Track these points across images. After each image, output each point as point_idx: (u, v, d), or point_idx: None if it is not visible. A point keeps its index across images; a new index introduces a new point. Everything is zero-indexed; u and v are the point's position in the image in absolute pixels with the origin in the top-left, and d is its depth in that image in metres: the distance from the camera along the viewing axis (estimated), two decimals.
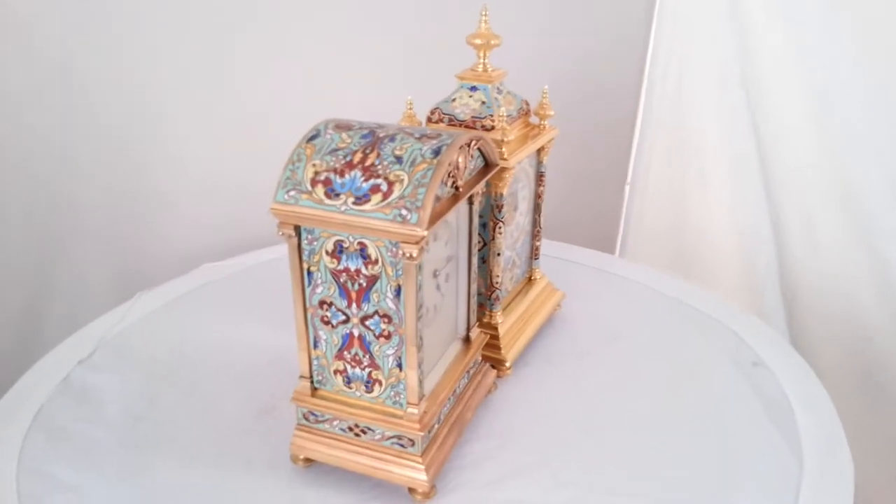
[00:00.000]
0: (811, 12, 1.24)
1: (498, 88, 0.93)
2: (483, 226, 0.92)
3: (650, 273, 1.25)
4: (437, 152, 0.68)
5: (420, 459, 0.75)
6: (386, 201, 0.66)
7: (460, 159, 0.71)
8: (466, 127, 0.91)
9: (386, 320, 0.71)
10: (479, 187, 0.79)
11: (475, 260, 0.84)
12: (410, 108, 0.93)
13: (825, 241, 1.33)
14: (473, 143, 0.74)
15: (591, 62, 1.49)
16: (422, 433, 0.74)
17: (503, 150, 0.87)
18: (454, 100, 0.93)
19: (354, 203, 0.67)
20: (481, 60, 0.92)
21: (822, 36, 1.24)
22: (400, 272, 0.68)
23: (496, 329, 0.96)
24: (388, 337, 0.72)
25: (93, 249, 1.30)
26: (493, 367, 0.95)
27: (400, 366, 0.73)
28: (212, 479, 0.78)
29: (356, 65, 1.36)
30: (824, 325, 1.36)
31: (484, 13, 0.91)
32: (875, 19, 1.19)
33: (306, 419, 0.79)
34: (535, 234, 1.06)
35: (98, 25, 1.16)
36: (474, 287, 0.85)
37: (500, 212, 0.91)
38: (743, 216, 1.43)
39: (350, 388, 0.76)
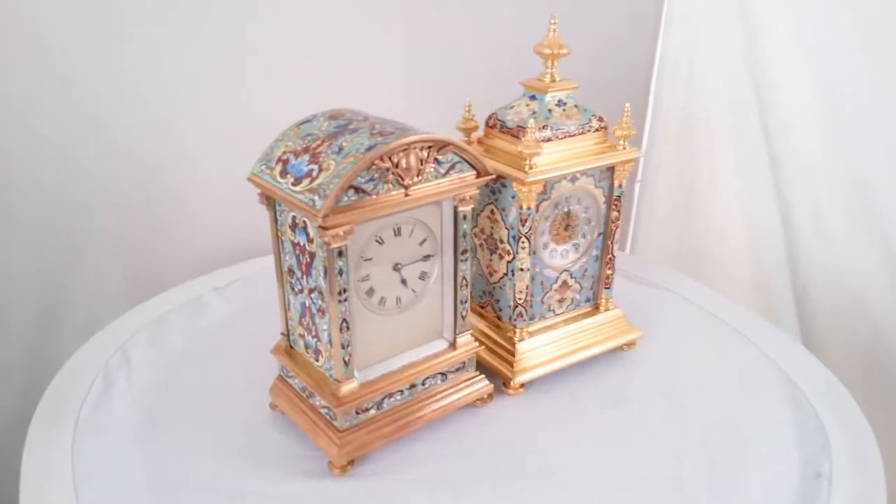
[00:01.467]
0: (819, 8, 1.25)
1: (560, 100, 0.90)
2: (514, 238, 0.90)
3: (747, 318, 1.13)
4: (371, 148, 0.71)
5: (339, 434, 0.79)
6: (309, 185, 0.72)
7: (406, 160, 0.73)
8: (511, 135, 0.90)
9: (321, 296, 0.77)
10: (467, 194, 0.79)
11: (463, 266, 0.84)
12: (468, 112, 0.94)
13: (835, 235, 1.33)
14: (431, 147, 0.75)
15: (601, 60, 1.44)
16: (340, 410, 0.78)
17: (528, 162, 0.84)
18: (512, 107, 0.92)
19: (293, 184, 0.74)
20: (549, 70, 0.90)
21: (831, 31, 1.24)
22: (324, 254, 0.73)
23: (512, 343, 0.94)
24: (323, 313, 0.77)
25: (108, 253, 1.29)
26: (504, 383, 0.93)
27: (331, 342, 0.78)
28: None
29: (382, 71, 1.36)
30: (835, 318, 1.35)
31: (553, 21, 0.88)
32: (882, 15, 1.18)
33: (282, 372, 0.88)
34: (605, 261, 0.99)
35: (108, 30, 1.16)
36: (465, 293, 0.85)
37: (523, 225, 0.88)
38: (753, 211, 1.43)
39: (307, 352, 0.84)
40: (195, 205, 1.31)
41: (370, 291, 0.79)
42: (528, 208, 0.87)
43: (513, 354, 0.94)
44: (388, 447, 0.83)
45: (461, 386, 0.88)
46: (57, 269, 1.25)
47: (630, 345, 1.03)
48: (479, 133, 0.95)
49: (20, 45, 1.11)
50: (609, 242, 0.98)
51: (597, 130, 0.92)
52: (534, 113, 0.89)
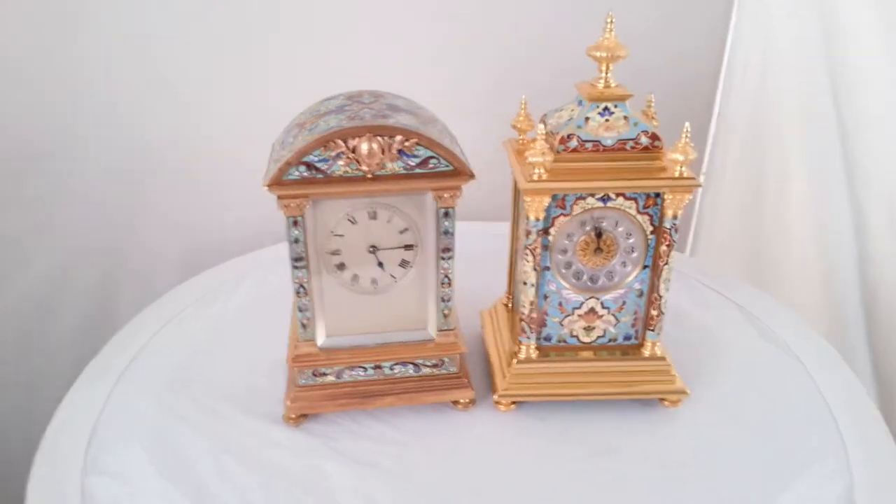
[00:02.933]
0: None
1: (606, 108, 0.81)
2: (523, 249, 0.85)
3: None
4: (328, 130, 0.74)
5: (294, 389, 0.86)
6: (275, 156, 0.78)
7: (365, 146, 0.74)
8: (545, 140, 0.84)
9: None
10: (445, 192, 0.78)
11: (445, 264, 0.82)
12: (524, 109, 0.90)
13: None
14: (389, 137, 0.74)
15: (668, 47, 1.35)
16: (293, 367, 0.84)
17: (536, 171, 0.79)
18: (561, 109, 0.85)
19: (279, 149, 0.80)
20: (602, 74, 0.81)
21: None
22: None
23: (512, 357, 0.89)
24: None
25: (161, 230, 1.35)
26: (497, 403, 0.89)
27: None
28: None
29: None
30: None
31: (609, 21, 0.79)
32: None
33: None
34: (650, 299, 0.87)
35: (168, 7, 1.19)
36: (447, 291, 0.84)
37: (527, 237, 0.82)
38: (823, 212, 1.35)
39: None
40: (245, 183, 1.24)
41: (341, 266, 0.82)
42: (537, 220, 0.81)
43: (509, 366, 0.89)
44: (350, 418, 0.87)
45: (436, 383, 0.87)
46: (114, 244, 1.32)
47: (673, 401, 0.89)
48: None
49: (78, 27, 1.17)
50: (656, 279, 0.85)
51: (645, 149, 0.80)
52: (570, 119, 0.81)
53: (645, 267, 0.85)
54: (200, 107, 1.27)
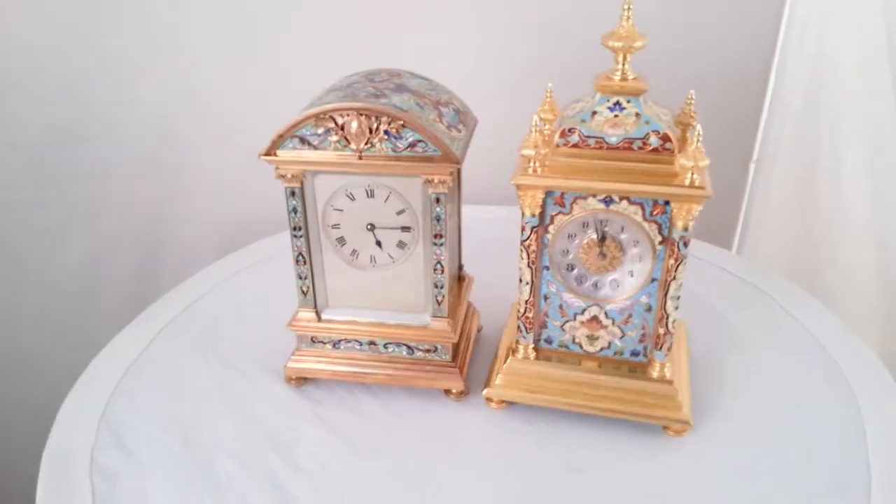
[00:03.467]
0: None
1: (618, 103, 0.75)
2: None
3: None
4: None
5: (295, 352, 0.90)
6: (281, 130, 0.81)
7: (355, 124, 0.76)
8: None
9: None
10: (435, 177, 0.77)
11: (437, 250, 0.82)
12: (550, 98, 0.86)
13: None
14: (377, 117, 0.75)
15: (719, 24, 1.30)
16: (292, 331, 0.89)
17: (531, 164, 0.76)
18: (581, 100, 0.81)
19: None
20: (619, 66, 0.75)
21: None
22: None
23: (509, 354, 0.87)
24: None
25: (199, 209, 1.39)
26: (488, 400, 0.87)
27: None
28: None
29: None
30: None
31: (626, 7, 0.73)
32: None
33: None
34: (659, 318, 0.80)
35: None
36: (439, 278, 0.83)
37: (522, 232, 0.79)
38: (880, 204, 1.28)
39: None
40: None
41: (341, 240, 0.84)
42: (532, 216, 0.77)
43: (504, 363, 0.86)
44: (347, 389, 0.89)
45: (428, 368, 0.87)
46: (154, 222, 1.39)
47: (676, 431, 0.82)
48: None
49: (114, 14, 1.22)
50: (664, 296, 0.78)
51: (654, 151, 0.73)
52: (579, 112, 0.76)
53: (654, 280, 0.78)
54: (232, 93, 1.30)
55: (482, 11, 1.28)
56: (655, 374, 0.82)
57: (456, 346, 0.87)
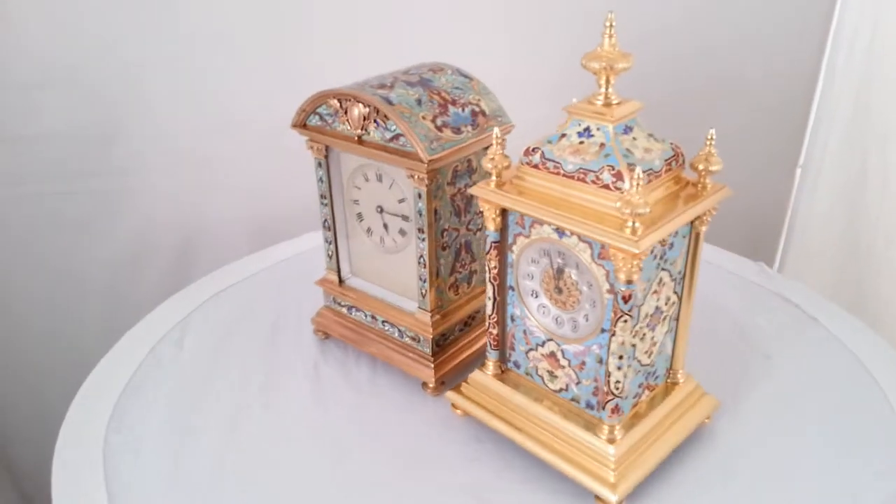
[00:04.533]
0: None
1: (587, 129, 0.69)
2: None
3: None
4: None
5: (323, 310, 1.00)
6: None
7: (356, 110, 0.81)
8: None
9: None
10: (415, 172, 0.79)
11: (420, 244, 0.83)
12: None
13: None
14: (367, 107, 0.79)
15: (768, 24, 1.26)
16: (320, 287, 0.98)
17: (493, 178, 0.74)
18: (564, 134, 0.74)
19: None
20: (601, 89, 0.69)
21: None
22: None
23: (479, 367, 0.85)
24: None
25: (232, 201, 1.39)
26: (453, 406, 0.87)
27: None
28: None
29: None
30: None
31: (609, 24, 0.66)
32: None
33: None
34: (607, 374, 0.72)
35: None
36: (424, 273, 0.85)
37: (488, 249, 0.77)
38: None
39: None
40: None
41: (360, 216, 0.91)
42: (495, 230, 0.75)
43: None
44: (356, 354, 0.96)
45: (410, 355, 0.90)
46: (189, 215, 1.40)
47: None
48: None
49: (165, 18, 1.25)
50: (607, 356, 0.70)
51: (606, 186, 0.66)
52: (564, 136, 0.71)
53: (603, 330, 0.70)
54: (273, 83, 1.31)
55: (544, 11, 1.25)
56: (604, 436, 0.73)
57: (439, 343, 0.88)
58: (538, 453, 0.76)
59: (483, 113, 0.83)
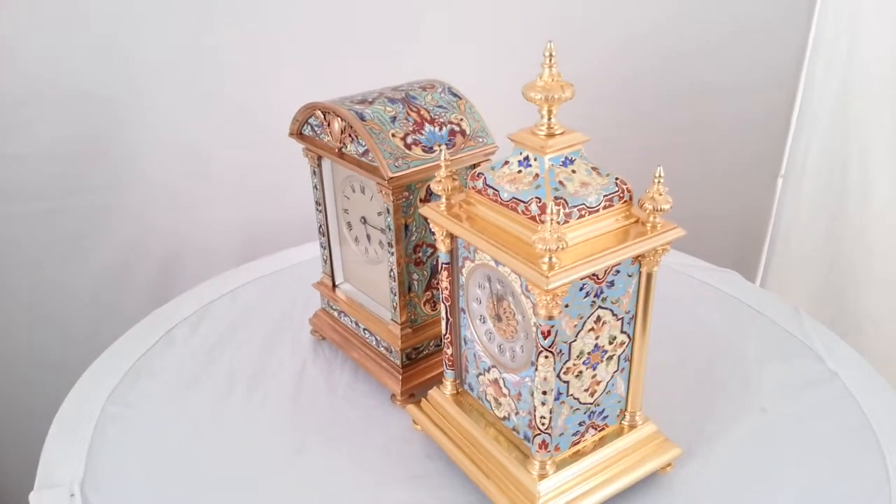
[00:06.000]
0: None
1: (527, 157, 0.68)
2: None
3: None
4: None
5: (318, 312, 1.04)
6: None
7: (336, 124, 0.83)
8: None
9: None
10: (382, 189, 0.81)
11: (389, 258, 0.85)
12: None
13: None
14: (335, 117, 0.81)
15: (747, 32, 1.27)
16: (317, 289, 1.02)
17: (443, 201, 0.74)
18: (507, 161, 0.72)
19: None
20: (543, 120, 0.68)
21: None
22: None
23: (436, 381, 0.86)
24: None
25: (217, 218, 1.39)
26: (414, 422, 0.89)
27: None
28: None
29: None
30: None
31: (548, 53, 0.65)
32: None
33: None
34: (535, 408, 0.71)
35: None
36: (394, 286, 0.86)
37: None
38: None
39: None
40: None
41: (349, 225, 0.94)
42: (445, 251, 0.75)
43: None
44: (342, 358, 0.99)
45: (383, 365, 0.92)
46: (178, 223, 1.40)
47: None
48: None
49: (150, 28, 1.24)
50: (532, 393, 0.69)
51: (533, 219, 0.65)
52: (506, 163, 0.71)
53: (533, 363, 0.69)
54: (262, 96, 1.32)
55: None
56: (534, 472, 0.72)
57: (410, 356, 0.89)
58: (476, 479, 0.76)
59: (463, 133, 0.83)
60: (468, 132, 0.83)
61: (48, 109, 1.24)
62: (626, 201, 0.67)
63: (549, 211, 0.59)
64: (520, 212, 0.65)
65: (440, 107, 0.84)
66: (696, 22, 1.28)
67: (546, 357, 0.65)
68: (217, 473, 0.81)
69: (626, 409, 0.76)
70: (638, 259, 0.67)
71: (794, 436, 0.84)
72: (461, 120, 0.84)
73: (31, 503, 0.78)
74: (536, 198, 0.63)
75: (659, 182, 0.65)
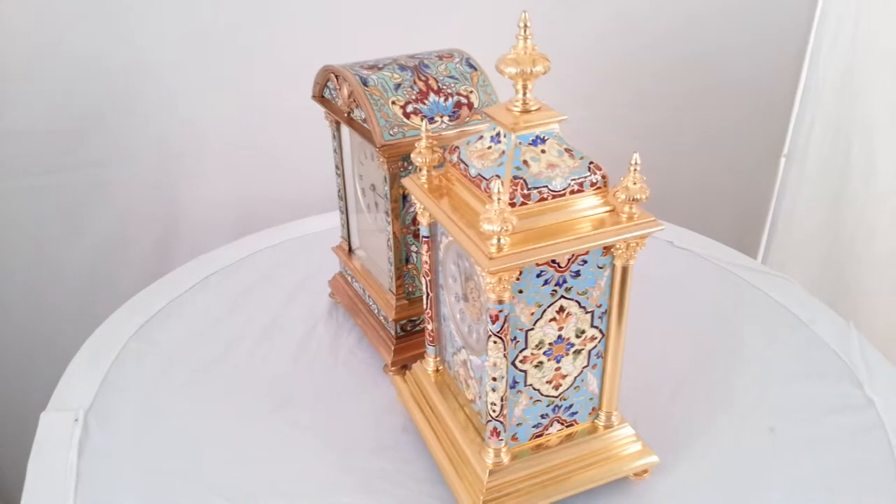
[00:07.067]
0: None
1: (499, 133, 0.66)
2: None
3: None
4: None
5: (336, 276, 1.05)
6: None
7: (345, 89, 0.84)
8: None
9: None
10: (378, 155, 0.81)
11: (388, 227, 0.85)
12: None
13: None
14: (344, 81, 0.81)
15: (751, 9, 1.24)
16: (332, 249, 1.04)
17: (424, 173, 0.73)
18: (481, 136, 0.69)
19: None
20: (519, 95, 0.65)
21: None
22: None
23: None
24: None
25: (212, 193, 1.37)
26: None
27: None
28: None
29: None
30: None
31: (523, 25, 0.62)
32: None
33: None
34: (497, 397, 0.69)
35: None
36: (391, 255, 0.86)
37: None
38: None
39: None
40: (291, 154, 1.31)
41: (363, 192, 0.94)
42: (426, 224, 0.74)
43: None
44: (351, 323, 1.01)
45: (381, 334, 0.92)
46: (169, 204, 1.38)
47: None
48: None
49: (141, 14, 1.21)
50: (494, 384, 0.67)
51: (490, 197, 0.63)
52: (480, 138, 0.68)
53: (503, 357, 0.67)
54: (250, 78, 1.29)
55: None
56: (488, 459, 0.70)
57: (405, 327, 0.89)
58: (437, 458, 0.75)
59: (470, 106, 0.81)
60: (476, 105, 0.81)
61: (40, 84, 1.22)
62: (599, 188, 0.63)
63: (495, 190, 0.56)
64: (482, 189, 0.63)
65: (452, 77, 0.82)
66: (699, 4, 1.26)
67: (495, 342, 0.62)
68: (203, 416, 0.85)
69: (599, 408, 0.73)
70: (610, 250, 0.63)
71: (799, 462, 0.77)
72: (471, 92, 0.81)
73: (41, 421, 0.84)
74: (496, 175, 0.61)
75: (635, 170, 0.61)
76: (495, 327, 0.61)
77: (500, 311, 0.61)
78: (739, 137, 1.40)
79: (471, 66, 0.84)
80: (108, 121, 1.28)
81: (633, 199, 0.61)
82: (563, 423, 0.72)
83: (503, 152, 0.62)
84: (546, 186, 0.61)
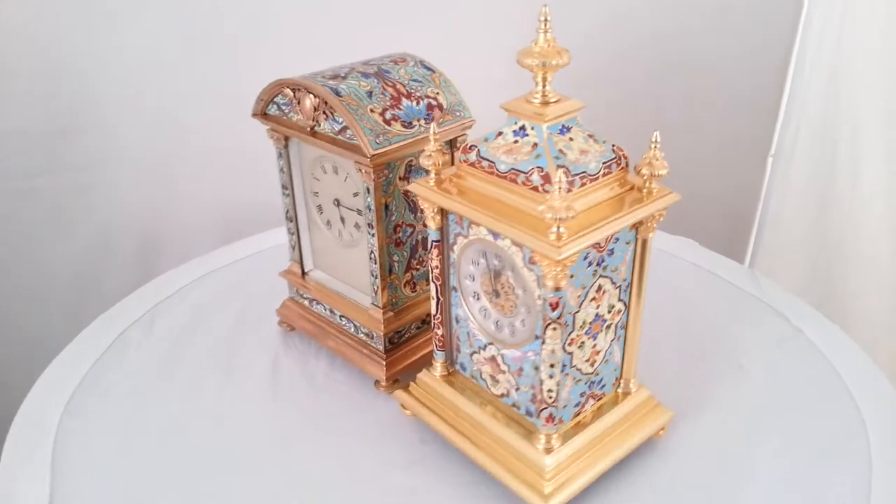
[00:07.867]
0: None
1: (524, 126, 0.67)
2: None
3: None
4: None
5: (287, 301, 1.00)
6: None
7: (308, 101, 0.79)
8: None
9: None
10: (362, 166, 0.78)
11: (370, 240, 0.82)
12: None
13: None
14: (318, 99, 0.77)
15: (738, 11, 1.25)
16: (284, 277, 0.98)
17: (433, 176, 0.72)
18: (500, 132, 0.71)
19: None
20: (539, 87, 0.66)
21: None
22: None
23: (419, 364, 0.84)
24: None
25: (200, 196, 1.37)
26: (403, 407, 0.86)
27: None
28: None
29: None
30: None
31: (543, 19, 0.63)
32: None
33: None
34: (539, 381, 0.70)
35: None
36: (375, 268, 0.83)
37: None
38: None
39: None
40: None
41: (319, 209, 0.90)
42: (435, 229, 0.73)
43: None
44: (315, 348, 0.95)
45: (364, 351, 0.89)
46: (155, 207, 1.39)
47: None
48: None
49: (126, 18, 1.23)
50: (536, 367, 0.67)
51: (535, 189, 0.63)
52: (500, 134, 0.69)
53: (537, 337, 0.68)
54: (231, 79, 1.27)
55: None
56: (540, 446, 0.71)
57: (392, 340, 0.86)
58: (477, 459, 0.74)
59: (440, 107, 0.81)
60: (445, 106, 0.81)
61: (23, 86, 1.22)
62: (622, 168, 0.66)
63: (556, 180, 0.58)
64: (520, 183, 0.63)
65: (415, 80, 0.81)
66: (686, 2, 1.27)
67: (554, 329, 0.64)
68: (199, 474, 0.77)
69: (620, 377, 0.77)
70: (635, 226, 0.67)
71: (772, 389, 0.87)
72: (437, 94, 0.81)
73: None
74: (538, 167, 0.62)
75: (655, 147, 0.65)
76: (555, 314, 0.63)
77: (560, 297, 0.62)
78: (726, 139, 1.41)
79: (427, 68, 0.84)
80: (92, 124, 1.27)
81: (656, 175, 0.66)
82: (595, 398, 0.75)
83: (535, 144, 0.63)
84: (584, 171, 0.63)
